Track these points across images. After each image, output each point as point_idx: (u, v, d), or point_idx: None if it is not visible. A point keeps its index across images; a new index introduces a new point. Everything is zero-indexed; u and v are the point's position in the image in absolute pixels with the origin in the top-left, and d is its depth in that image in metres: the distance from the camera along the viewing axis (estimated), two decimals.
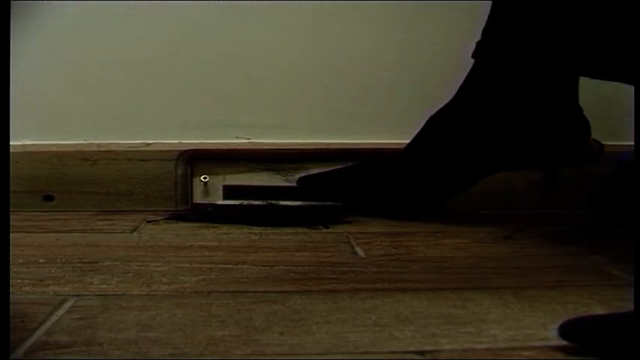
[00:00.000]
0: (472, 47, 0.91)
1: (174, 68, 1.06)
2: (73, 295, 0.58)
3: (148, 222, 0.92)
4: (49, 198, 1.02)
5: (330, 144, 1.07)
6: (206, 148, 1.05)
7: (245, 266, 0.69)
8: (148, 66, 1.06)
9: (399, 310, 0.54)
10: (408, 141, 0.96)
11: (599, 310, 0.55)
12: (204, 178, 1.04)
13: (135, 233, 0.86)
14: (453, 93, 0.92)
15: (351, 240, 0.82)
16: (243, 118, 1.08)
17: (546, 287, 0.62)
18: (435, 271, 0.68)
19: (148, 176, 1.03)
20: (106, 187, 1.03)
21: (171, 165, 1.03)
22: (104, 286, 0.62)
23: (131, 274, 0.66)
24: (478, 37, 0.91)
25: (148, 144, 1.05)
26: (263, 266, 0.69)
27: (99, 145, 1.05)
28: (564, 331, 0.45)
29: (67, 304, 0.56)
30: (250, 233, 0.85)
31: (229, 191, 1.05)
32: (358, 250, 0.77)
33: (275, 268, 0.68)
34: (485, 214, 1.01)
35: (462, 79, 0.92)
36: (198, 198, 1.05)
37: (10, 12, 0.58)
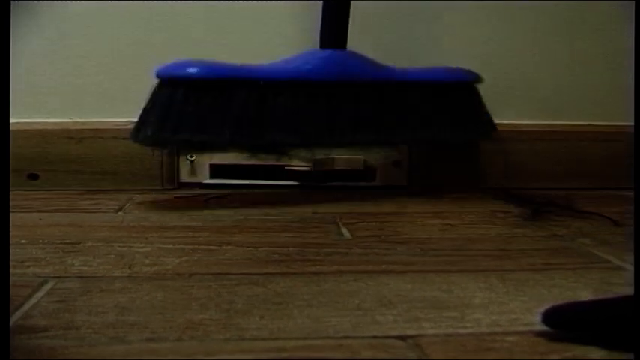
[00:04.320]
0: None
1: (160, 45, 1.04)
2: (54, 277, 0.57)
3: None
4: (33, 177, 1.01)
5: None
6: None
7: (229, 247, 0.68)
8: (134, 43, 1.04)
9: (383, 294, 0.54)
10: None
11: (584, 294, 0.54)
12: (191, 157, 1.04)
13: (119, 213, 0.85)
14: None
15: (338, 220, 0.81)
16: None
17: (532, 270, 0.61)
18: (421, 253, 0.67)
19: (134, 155, 1.02)
20: (91, 166, 1.02)
21: None
22: (85, 268, 0.61)
23: (113, 256, 0.65)
24: None
25: (134, 122, 1.03)
26: (247, 247, 0.68)
27: (84, 123, 1.03)
28: (547, 317, 0.44)
29: (47, 286, 0.55)
30: (236, 214, 0.84)
31: (216, 170, 1.05)
32: (344, 230, 0.76)
33: (259, 249, 0.67)
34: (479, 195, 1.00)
35: None
36: (185, 177, 1.04)
37: (9, 11, 0.60)
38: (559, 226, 0.79)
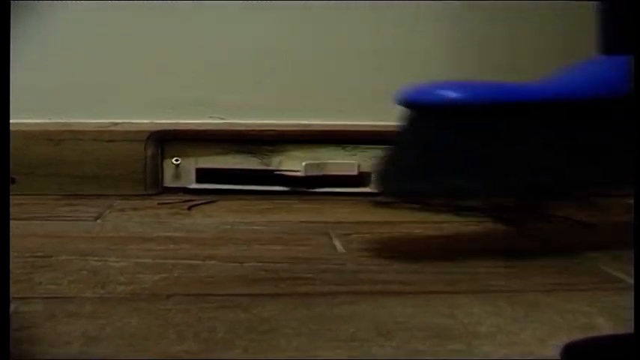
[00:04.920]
0: None
1: (143, 44, 0.99)
2: (17, 298, 0.52)
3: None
4: (10, 181, 0.96)
5: (309, 125, 1.01)
6: (178, 128, 1.00)
7: (212, 262, 0.63)
8: (116, 42, 0.99)
9: (381, 320, 0.49)
10: (387, 123, 0.91)
11: (600, 322, 0.49)
12: (176, 160, 0.99)
13: (98, 221, 0.80)
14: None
15: (330, 231, 0.76)
16: (217, 97, 1.02)
17: (542, 291, 0.56)
18: (420, 270, 0.62)
19: (116, 158, 0.97)
20: (70, 169, 0.97)
21: (141, 146, 0.97)
22: (54, 287, 0.56)
23: (86, 272, 0.59)
24: None
25: (116, 124, 1.00)
26: (232, 262, 0.63)
27: (64, 124, 0.98)
28: (569, 355, 0.39)
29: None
30: (222, 223, 0.79)
31: (202, 174, 1.00)
32: (337, 243, 0.71)
33: (245, 264, 0.62)
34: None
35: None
36: (169, 182, 1.00)
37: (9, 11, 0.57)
38: (567, 240, 0.74)
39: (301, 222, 0.81)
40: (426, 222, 0.81)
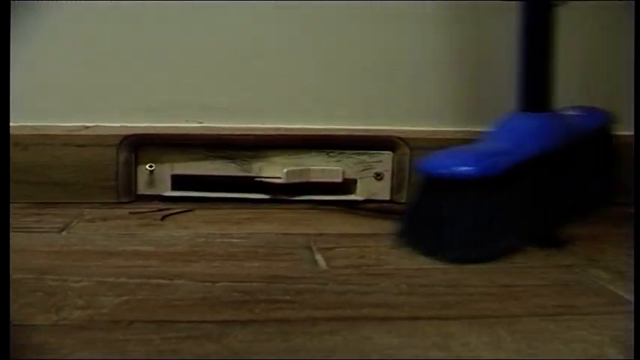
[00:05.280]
0: None
1: (116, 43, 0.93)
2: None
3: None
4: None
5: (291, 129, 0.95)
6: (152, 132, 0.93)
7: (181, 282, 0.57)
8: (87, 40, 0.93)
9: (366, 352, 0.43)
10: (372, 127, 0.87)
11: (612, 353, 0.44)
12: (150, 166, 0.93)
13: (63, 233, 0.75)
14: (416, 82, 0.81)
15: (312, 244, 0.71)
16: (194, 99, 0.96)
17: (544, 316, 0.51)
18: (409, 291, 0.57)
19: (86, 164, 0.91)
20: (38, 175, 0.91)
21: (113, 151, 0.91)
22: None
23: (41, 294, 0.54)
24: None
25: (87, 127, 0.93)
26: (203, 282, 0.57)
27: (31, 127, 0.92)
28: None
29: None
30: (196, 235, 0.74)
31: (178, 181, 0.94)
32: (319, 258, 0.66)
33: (217, 284, 0.57)
34: None
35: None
36: (143, 189, 0.94)
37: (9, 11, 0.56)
38: (564, 253, 0.69)
39: (281, 234, 0.75)
40: None
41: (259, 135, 0.94)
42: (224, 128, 0.95)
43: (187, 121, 0.95)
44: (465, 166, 0.67)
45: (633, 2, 0.90)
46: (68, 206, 0.88)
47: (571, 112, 0.84)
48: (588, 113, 0.85)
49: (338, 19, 0.95)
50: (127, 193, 0.92)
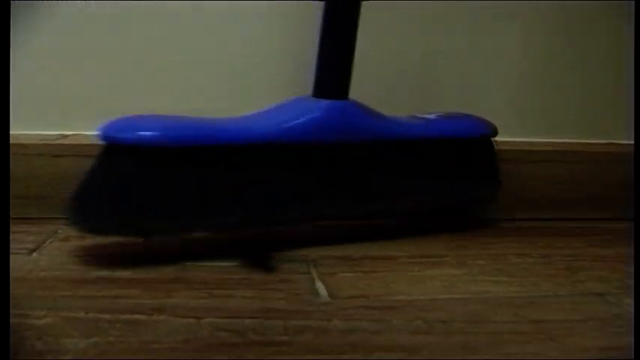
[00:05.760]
0: None
1: (95, 45, 0.86)
2: None
3: None
4: None
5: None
6: None
7: (162, 317, 0.50)
8: (65, 42, 0.86)
9: None
10: None
11: None
12: None
13: (34, 255, 0.67)
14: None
15: (312, 268, 0.63)
16: (182, 105, 0.87)
17: None
18: (426, 329, 0.49)
19: (65, 176, 0.83)
20: (12, 188, 0.83)
21: (92, 162, 0.83)
22: None
23: None
24: None
25: (66, 136, 0.87)
26: (186, 318, 0.50)
27: None
28: None
29: None
30: (183, 256, 0.66)
31: None
32: (320, 286, 0.58)
33: (202, 320, 0.49)
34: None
35: None
36: None
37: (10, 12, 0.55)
38: (590, 275, 0.62)
39: (277, 254, 0.67)
40: (426, 256, 0.68)
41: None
42: None
43: None
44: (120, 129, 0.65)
45: (633, 2, 0.86)
46: (43, 222, 0.80)
47: (430, 116, 0.77)
48: (454, 121, 0.77)
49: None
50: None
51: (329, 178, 0.69)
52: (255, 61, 0.88)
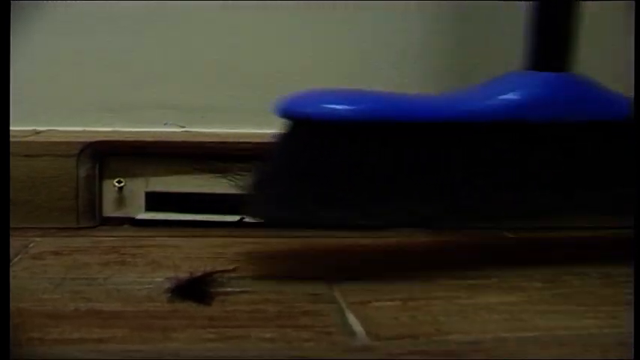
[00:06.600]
0: None
1: (75, 29, 0.81)
2: None
3: None
4: None
5: None
6: (121, 138, 0.79)
7: None
8: (39, 25, 0.81)
9: None
10: None
11: None
12: (119, 181, 0.78)
13: None
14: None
15: (337, 294, 0.52)
16: (175, 98, 0.83)
17: None
18: None
19: (38, 178, 0.75)
20: None
21: (71, 163, 0.76)
22: None
23: None
24: None
25: (38, 132, 0.80)
26: None
27: None
28: None
29: None
30: (176, 277, 0.55)
31: (154, 200, 0.79)
32: (353, 321, 0.47)
33: None
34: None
35: None
36: (110, 210, 0.78)
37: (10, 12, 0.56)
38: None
39: (292, 277, 0.57)
40: (471, 277, 0.58)
41: (256, 143, 0.78)
42: (211, 134, 0.83)
43: (166, 125, 0.84)
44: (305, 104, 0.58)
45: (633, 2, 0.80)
46: (13, 233, 0.69)
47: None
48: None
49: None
50: (89, 215, 0.77)
51: (550, 165, 0.61)
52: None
